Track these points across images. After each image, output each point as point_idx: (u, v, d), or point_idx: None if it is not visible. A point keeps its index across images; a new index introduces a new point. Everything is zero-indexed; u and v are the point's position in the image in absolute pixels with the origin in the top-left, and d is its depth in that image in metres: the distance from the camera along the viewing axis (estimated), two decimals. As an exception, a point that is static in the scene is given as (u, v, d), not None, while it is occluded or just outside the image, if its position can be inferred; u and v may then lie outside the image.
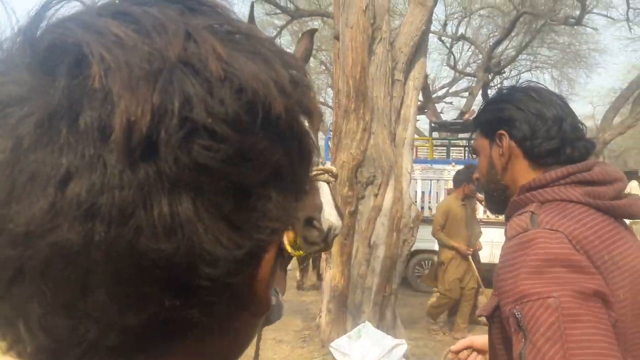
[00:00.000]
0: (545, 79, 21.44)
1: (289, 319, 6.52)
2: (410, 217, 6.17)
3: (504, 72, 21.74)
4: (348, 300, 5.83)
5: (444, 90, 23.99)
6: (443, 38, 21.01)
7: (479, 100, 20.85)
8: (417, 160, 10.70)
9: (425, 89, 14.22)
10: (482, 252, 8.53)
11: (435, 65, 25.43)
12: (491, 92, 22.27)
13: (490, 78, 20.58)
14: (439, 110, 21.76)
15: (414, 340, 5.96)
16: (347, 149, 5.83)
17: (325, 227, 1.54)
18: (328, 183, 1.63)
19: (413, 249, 8.03)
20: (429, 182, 9.32)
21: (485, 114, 1.41)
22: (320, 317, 5.94)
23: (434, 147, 13.10)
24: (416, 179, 8.99)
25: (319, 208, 1.55)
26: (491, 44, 19.28)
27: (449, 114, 25.79)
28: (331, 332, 5.66)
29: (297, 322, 6.56)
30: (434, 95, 22.68)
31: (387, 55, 6.18)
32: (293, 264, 7.64)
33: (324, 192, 1.59)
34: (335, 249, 5.99)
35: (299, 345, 5.84)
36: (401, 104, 6.43)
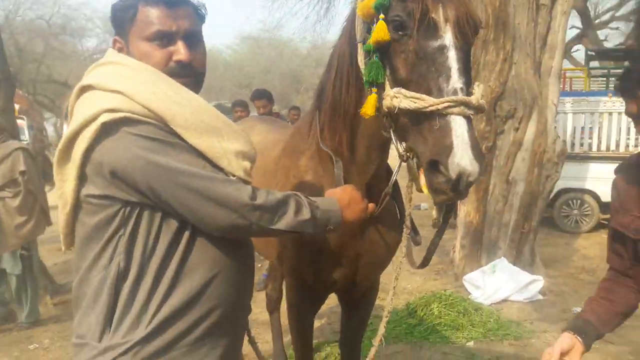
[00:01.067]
0: None
1: (423, 254, 6.55)
2: (554, 152, 5.81)
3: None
4: (483, 237, 5.77)
5: (609, 15, 21.39)
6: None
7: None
8: (569, 93, 9.93)
9: (584, 13, 12.81)
10: (603, 189, 7.81)
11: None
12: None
13: (667, -3, 17.89)
14: (602, 38, 19.56)
15: (553, 278, 5.78)
16: (485, 82, 5.57)
17: (453, 173, 1.27)
18: (465, 117, 1.32)
19: (560, 187, 7.60)
20: (581, 116, 8.58)
21: None
22: (454, 252, 5.97)
23: (592, 78, 11.89)
24: (567, 112, 8.35)
25: (448, 149, 1.29)
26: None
27: (614, 41, 23.09)
28: (465, 267, 5.69)
29: (432, 256, 6.67)
30: (596, 21, 20.36)
31: (531, -22, 5.72)
32: (429, 202, 7.66)
33: (458, 129, 1.30)
34: (470, 184, 5.92)
35: (432, 278, 5.97)
36: (548, 30, 5.96)
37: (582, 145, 8.66)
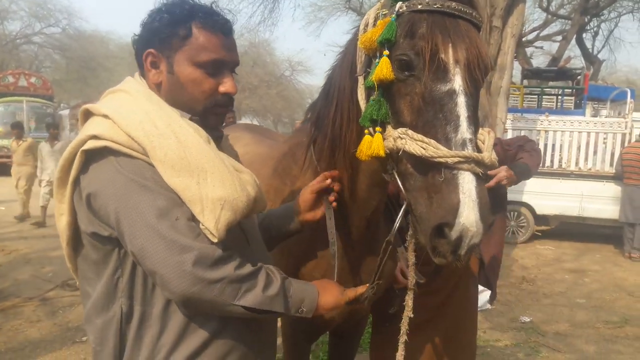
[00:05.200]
0: (650, 22, 19.68)
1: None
2: (500, 168, 6.13)
3: (603, 15, 20.21)
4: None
5: (534, 34, 22.67)
6: (537, -23, 19.72)
7: (572, 45, 19.61)
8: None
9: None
10: (571, 204, 8.39)
11: (525, 7, 23.90)
12: (587, 37, 20.85)
13: (587, 21, 19.24)
14: (527, 55, 20.70)
15: (498, 288, 6.06)
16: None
17: (454, 233, 1.16)
18: (475, 175, 1.20)
19: (498, 199, 8.00)
20: (519, 133, 9.07)
21: None
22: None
23: (525, 95, 12.59)
24: (507, 129, 8.80)
25: (453, 209, 1.17)
26: (591, -17, 17.88)
27: (538, 60, 24.48)
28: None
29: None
30: (523, 39, 21.55)
31: (486, 1, 6.01)
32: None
33: (465, 186, 1.19)
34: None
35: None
36: (498, 51, 6.29)
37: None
